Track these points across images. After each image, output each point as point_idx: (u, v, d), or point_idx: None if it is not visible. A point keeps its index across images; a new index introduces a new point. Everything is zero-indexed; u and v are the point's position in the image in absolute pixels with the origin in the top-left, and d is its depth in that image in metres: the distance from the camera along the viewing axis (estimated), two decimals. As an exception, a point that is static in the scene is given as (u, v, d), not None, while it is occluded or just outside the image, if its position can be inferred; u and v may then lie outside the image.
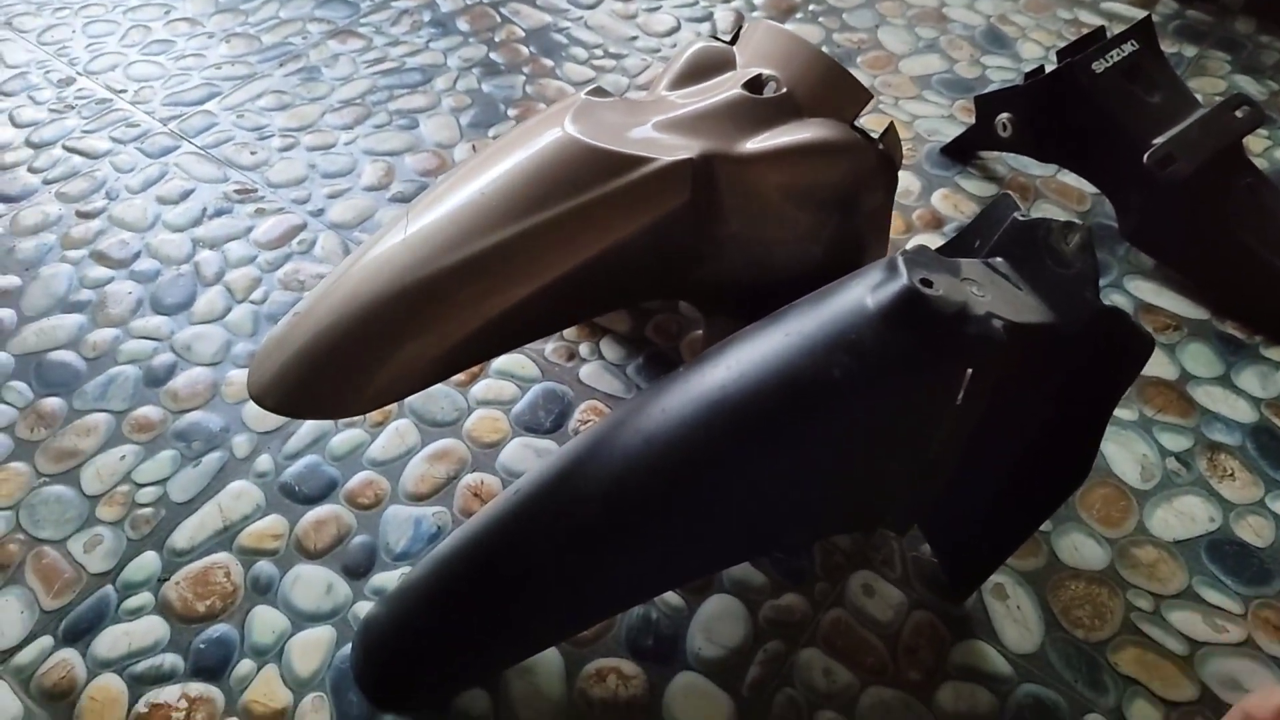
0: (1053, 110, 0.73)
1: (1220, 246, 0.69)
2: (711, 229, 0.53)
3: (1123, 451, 0.63)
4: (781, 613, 0.55)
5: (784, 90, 0.57)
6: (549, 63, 0.93)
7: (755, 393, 0.43)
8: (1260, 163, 0.83)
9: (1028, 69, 0.79)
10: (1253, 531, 0.59)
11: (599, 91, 0.56)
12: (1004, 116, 0.76)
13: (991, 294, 0.43)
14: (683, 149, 0.52)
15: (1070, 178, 0.81)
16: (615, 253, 0.51)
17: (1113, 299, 0.72)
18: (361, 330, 0.47)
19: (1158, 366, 0.68)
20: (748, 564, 0.56)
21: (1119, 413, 0.65)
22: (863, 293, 0.43)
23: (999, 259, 0.48)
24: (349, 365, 0.47)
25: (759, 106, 0.56)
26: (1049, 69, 0.74)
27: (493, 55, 0.94)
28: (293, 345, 0.48)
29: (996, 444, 0.47)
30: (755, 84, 0.57)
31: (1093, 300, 0.45)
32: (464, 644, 0.48)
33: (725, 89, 0.57)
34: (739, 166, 0.53)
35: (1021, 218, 0.48)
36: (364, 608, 0.55)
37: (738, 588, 0.56)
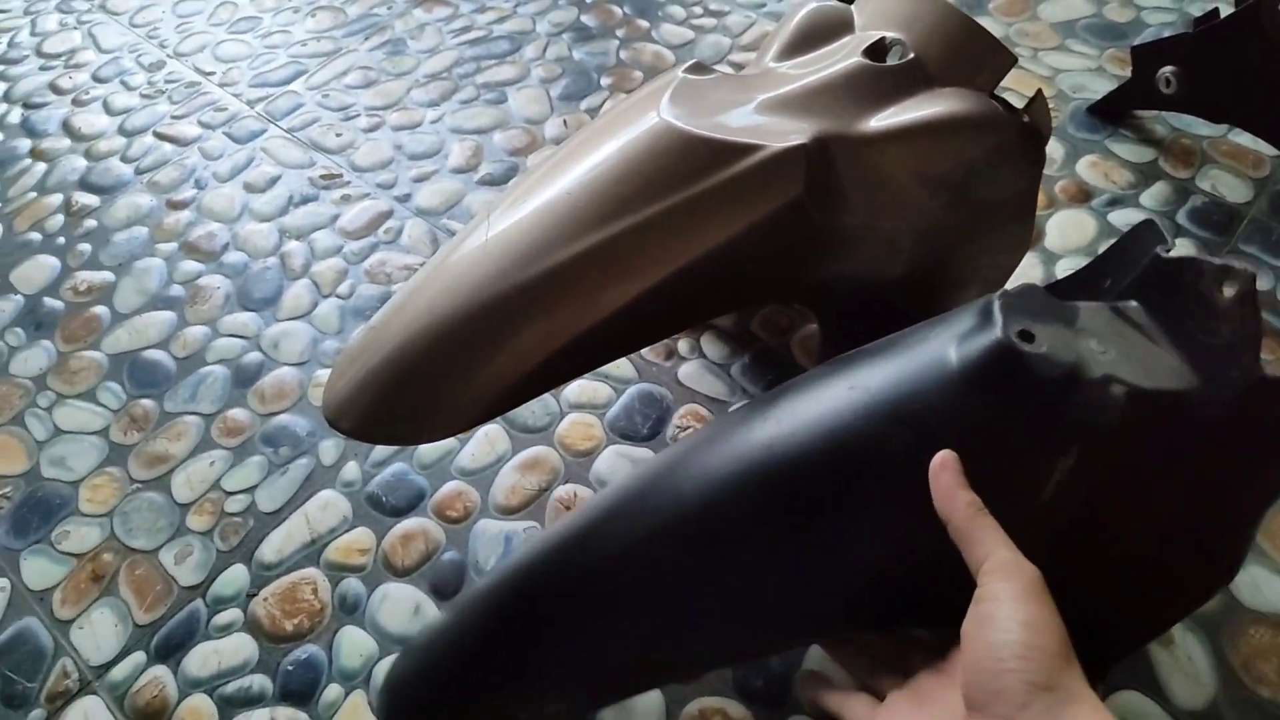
0: (1229, 61, 0.63)
1: None
2: (831, 222, 0.47)
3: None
4: (906, 653, 0.49)
5: (911, 55, 0.49)
6: (644, 24, 0.87)
7: (801, 458, 0.35)
8: None
9: (1196, 12, 0.68)
10: None
11: (699, 68, 0.50)
12: (1167, 70, 0.66)
13: (1115, 350, 0.34)
14: (795, 132, 0.45)
15: (1245, 138, 0.70)
16: (720, 255, 0.45)
17: (1299, 283, 0.62)
18: (438, 351, 0.43)
19: (1357, 365, 0.58)
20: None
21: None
22: (946, 342, 0.34)
23: (1133, 303, 0.38)
24: (426, 389, 0.43)
25: (882, 76, 0.49)
26: (1224, 11, 0.63)
27: (584, 18, 0.88)
28: (368, 364, 0.44)
29: (1112, 534, 0.37)
30: (877, 50, 0.50)
31: (1250, 367, 0.34)
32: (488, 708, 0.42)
33: (842, 57, 0.50)
34: (861, 149, 0.46)
35: (1166, 253, 0.38)
36: (453, 632, 0.52)
37: (856, 622, 0.50)
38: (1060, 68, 0.78)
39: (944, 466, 0.33)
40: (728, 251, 0.45)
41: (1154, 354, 0.36)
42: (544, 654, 0.40)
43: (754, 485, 0.36)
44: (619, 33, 0.86)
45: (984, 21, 0.82)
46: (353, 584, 0.54)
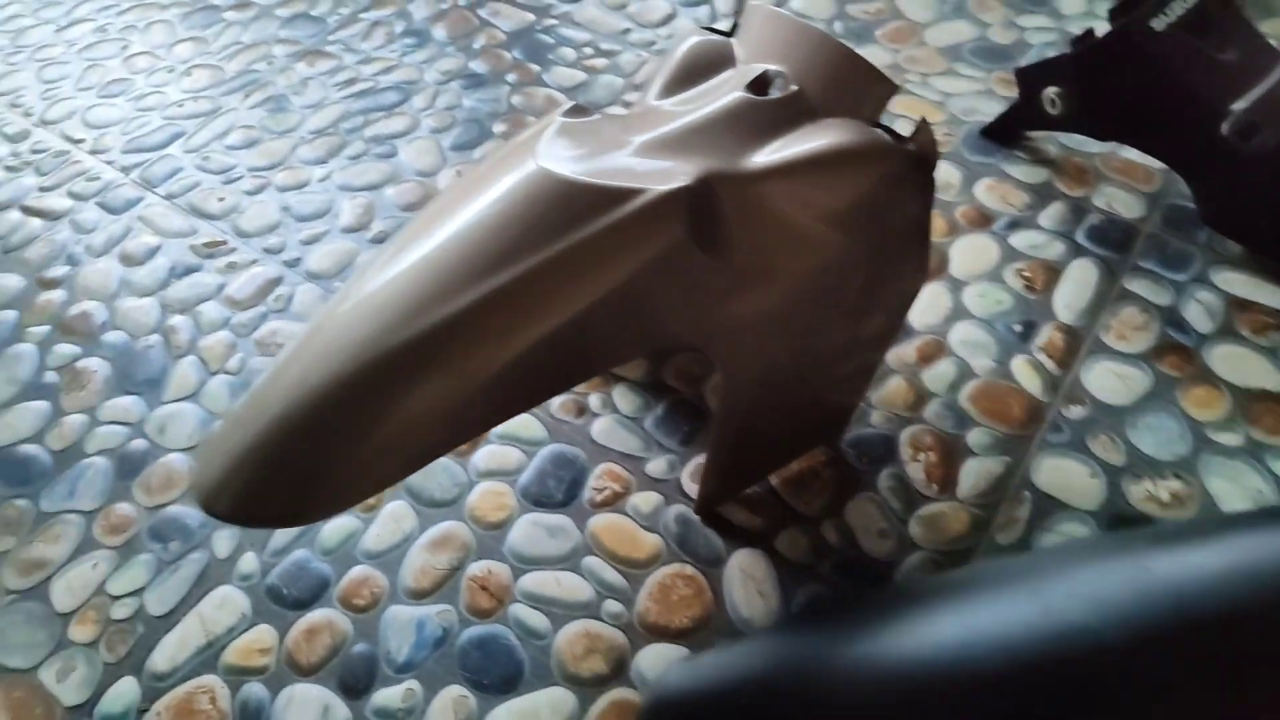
0: (1108, 80, 0.64)
1: (1320, 224, 0.60)
2: (718, 265, 0.45)
3: (1231, 487, 0.54)
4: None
5: (793, 88, 0.48)
6: (535, 68, 0.85)
7: None
8: (1352, 115, 0.72)
9: (1073, 30, 0.69)
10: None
11: (578, 110, 0.48)
12: (1051, 91, 0.67)
13: None
14: (677, 173, 0.44)
15: (1134, 154, 0.71)
16: (610, 302, 0.43)
17: (1198, 296, 0.63)
18: (315, 422, 0.39)
19: (1261, 377, 0.59)
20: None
21: (1222, 438, 0.56)
22: None
23: None
24: (305, 464, 0.40)
25: (765, 110, 0.47)
26: (1099, 32, 0.64)
27: (473, 65, 0.86)
28: (241, 443, 0.41)
29: None
30: (760, 83, 0.49)
31: None
32: None
33: (725, 92, 0.49)
34: (747, 186, 0.45)
35: None
36: (365, 731, 0.48)
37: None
38: (950, 92, 0.79)
39: None
40: (617, 299, 0.43)
41: None
42: None
43: None
44: (509, 78, 0.84)
45: (872, 49, 0.83)
46: (255, 689, 0.50)
